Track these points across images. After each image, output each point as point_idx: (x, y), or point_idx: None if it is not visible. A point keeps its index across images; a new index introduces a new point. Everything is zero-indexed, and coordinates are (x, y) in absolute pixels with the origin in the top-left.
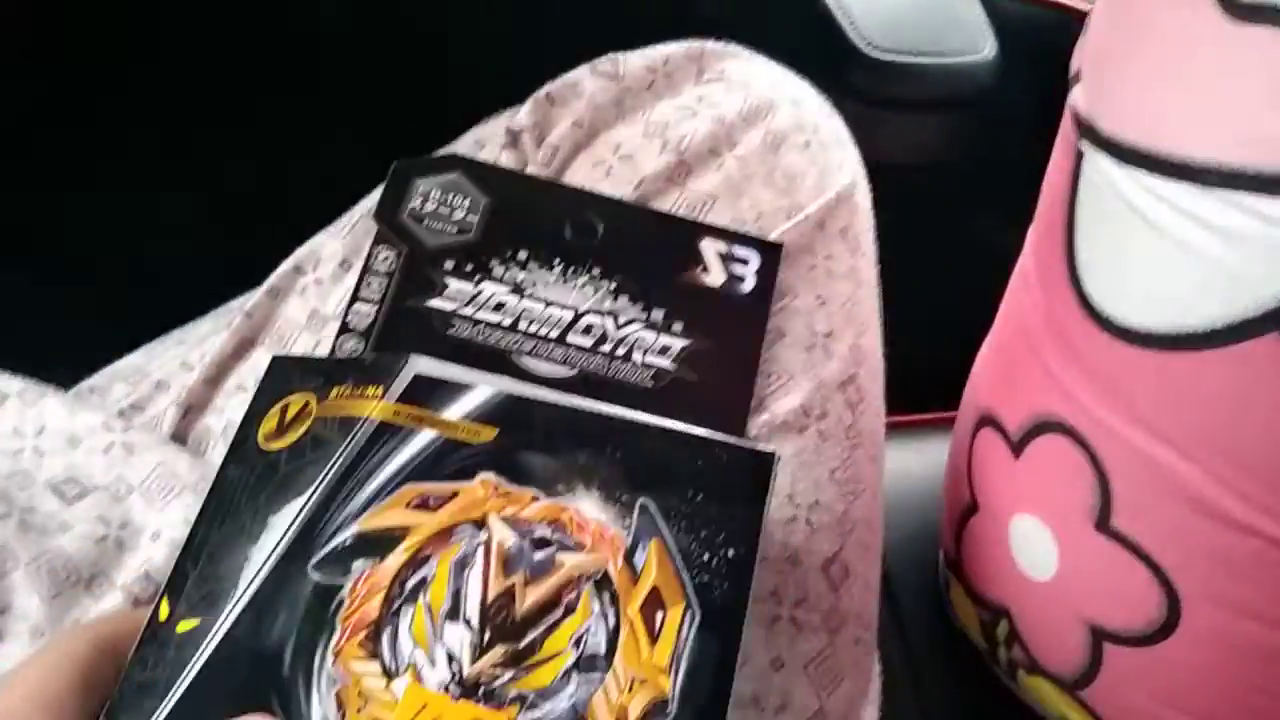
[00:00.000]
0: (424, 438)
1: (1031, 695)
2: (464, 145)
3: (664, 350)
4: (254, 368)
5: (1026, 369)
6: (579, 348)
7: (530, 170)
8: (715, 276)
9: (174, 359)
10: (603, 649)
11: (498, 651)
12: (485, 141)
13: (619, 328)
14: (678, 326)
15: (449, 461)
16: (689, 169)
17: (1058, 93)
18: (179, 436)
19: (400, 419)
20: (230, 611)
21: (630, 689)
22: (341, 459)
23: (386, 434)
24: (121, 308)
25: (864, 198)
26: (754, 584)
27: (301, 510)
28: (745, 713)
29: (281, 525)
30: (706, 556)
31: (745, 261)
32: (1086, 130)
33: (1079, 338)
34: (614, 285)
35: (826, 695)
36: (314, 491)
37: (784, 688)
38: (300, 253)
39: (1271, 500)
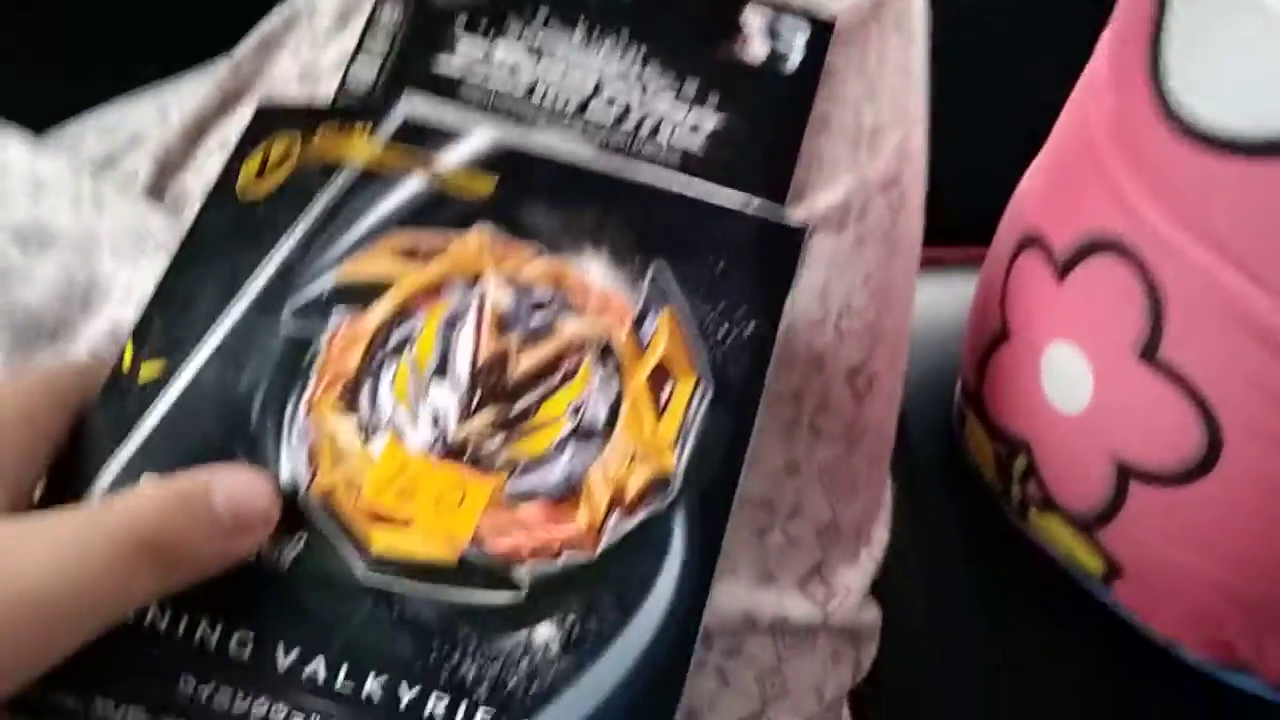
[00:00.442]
0: (415, 183)
1: (1039, 533)
2: None
3: (695, 129)
4: (239, 124)
5: (1084, 183)
6: (599, 124)
7: None
8: (757, 50)
9: (153, 112)
10: (603, 420)
11: (487, 414)
12: None
13: (646, 100)
14: (712, 101)
15: (443, 210)
16: None
17: None
18: (155, 194)
19: (389, 161)
20: (196, 357)
21: (630, 463)
22: (324, 202)
23: (373, 177)
24: (100, 61)
25: None
26: (773, 378)
27: (278, 256)
28: (755, 514)
29: (256, 272)
30: (724, 330)
31: (792, 37)
32: None
33: (1154, 143)
34: (643, 51)
35: (841, 506)
36: (292, 237)
37: (797, 493)
38: (295, 2)
39: None
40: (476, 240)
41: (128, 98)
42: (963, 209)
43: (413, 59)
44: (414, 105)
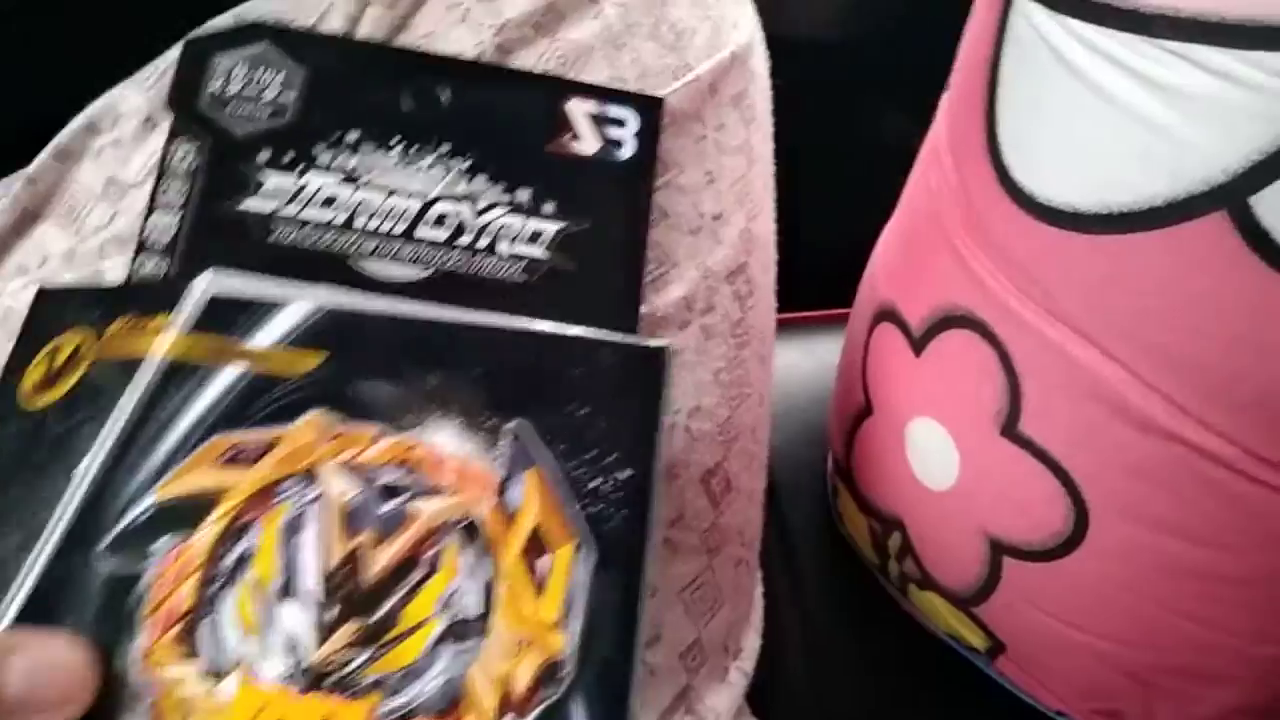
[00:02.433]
0: (229, 374)
1: (922, 611)
2: None
3: (535, 236)
4: (39, 245)
5: (933, 256)
6: (432, 243)
7: (371, 15)
8: (588, 143)
9: None
10: (477, 610)
11: (347, 630)
12: None
13: (478, 214)
14: (549, 207)
15: (264, 401)
16: (561, 15)
17: None
18: None
19: (195, 352)
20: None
21: (515, 653)
22: (128, 410)
23: (181, 374)
24: None
25: (761, 62)
26: (658, 501)
27: (81, 481)
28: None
29: (59, 504)
30: (598, 481)
31: (622, 123)
32: None
33: (995, 220)
34: (468, 163)
35: (704, 623)
36: (96, 456)
37: (656, 617)
38: (95, 108)
39: (1199, 404)
40: (308, 430)
41: None
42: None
43: (215, 204)
44: (217, 282)
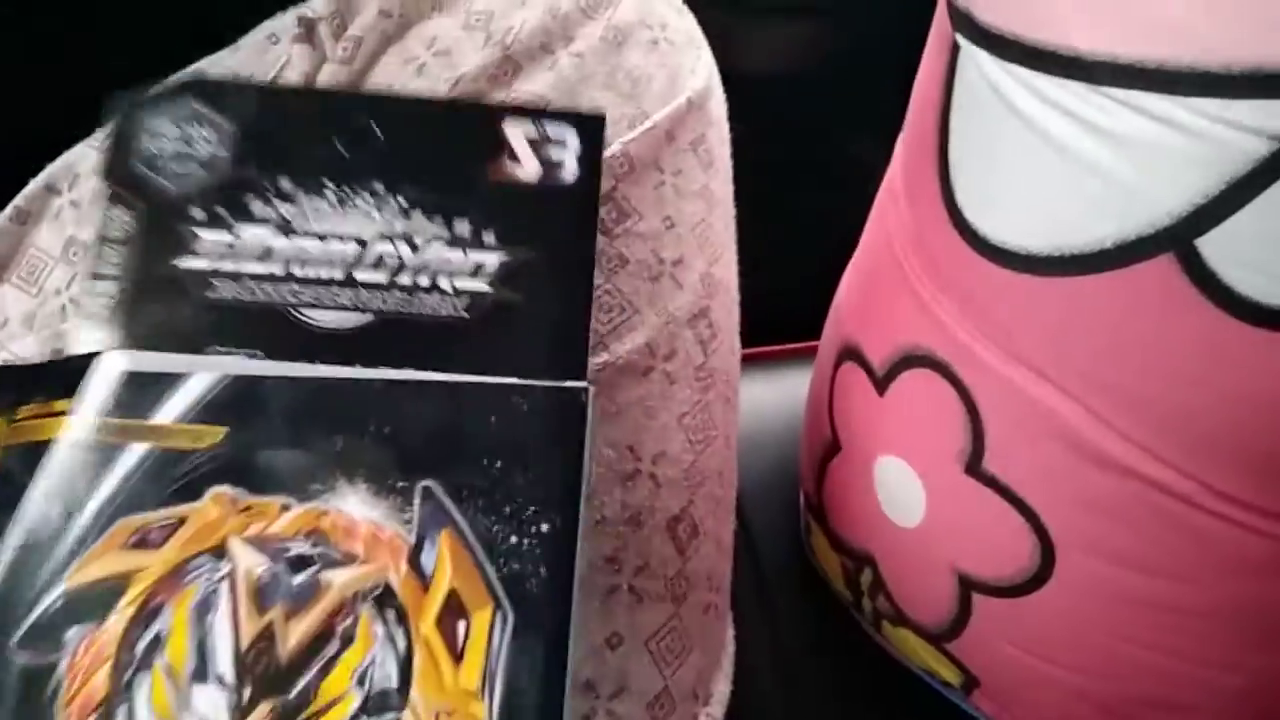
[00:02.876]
0: (132, 454)
1: (897, 647)
2: (252, 42)
3: (477, 269)
4: None
5: (893, 297)
6: (371, 285)
7: (328, 71)
8: (528, 168)
9: None
10: (394, 681)
11: (263, 710)
12: (279, 35)
13: (416, 251)
14: (489, 238)
15: (169, 479)
16: (517, 67)
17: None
18: None
19: (100, 434)
20: None
21: None
22: (32, 499)
23: (85, 457)
24: None
25: (719, 107)
26: (582, 555)
27: None
28: (576, 699)
29: None
30: (515, 539)
31: (562, 143)
32: (962, 20)
33: (950, 261)
34: (404, 200)
35: (671, 672)
36: (4, 546)
37: (621, 668)
38: (53, 168)
39: (1155, 441)
40: (214, 507)
41: None
42: (797, 305)
43: (154, 266)
44: (116, 362)
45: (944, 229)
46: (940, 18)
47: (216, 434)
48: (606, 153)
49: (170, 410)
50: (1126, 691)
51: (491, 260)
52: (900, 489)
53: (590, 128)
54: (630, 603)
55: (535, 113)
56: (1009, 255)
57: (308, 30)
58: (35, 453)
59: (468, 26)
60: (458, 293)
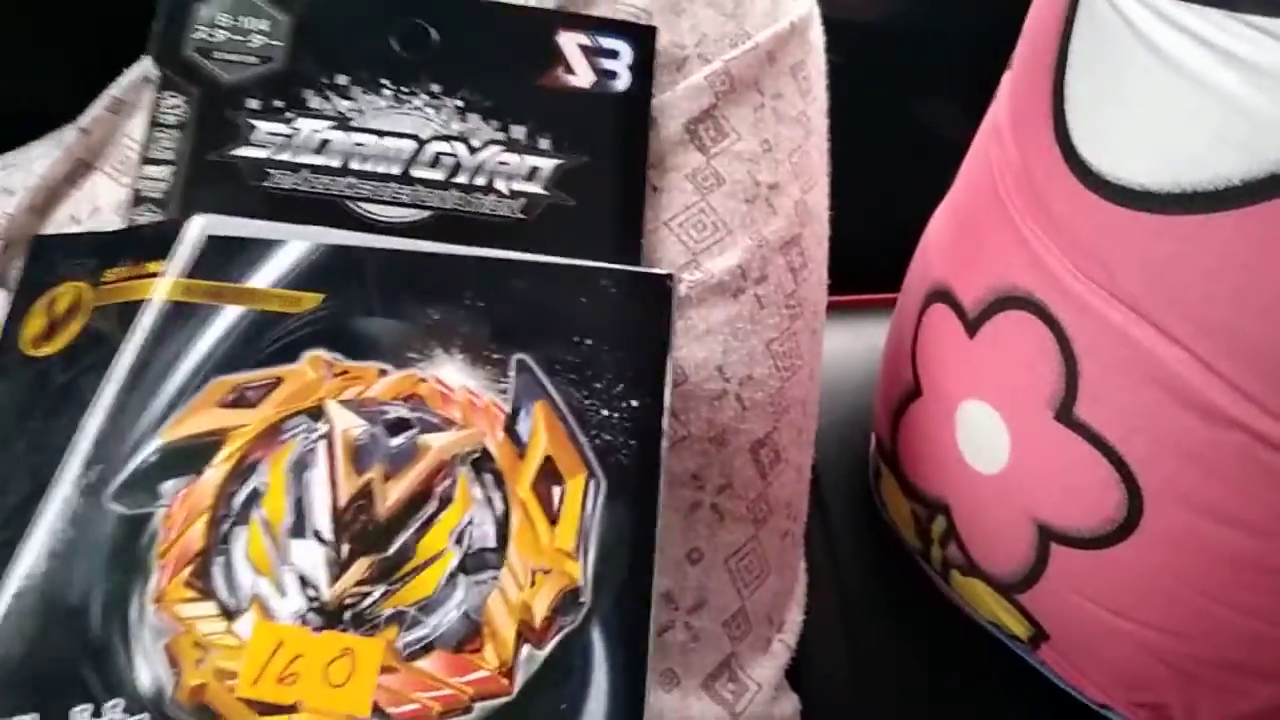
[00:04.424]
0: (229, 316)
1: (963, 597)
2: None
3: (533, 173)
4: (91, 195)
5: (991, 236)
6: (429, 182)
7: None
8: (582, 76)
9: None
10: (492, 541)
11: (361, 565)
12: None
13: (474, 153)
14: (544, 142)
15: (264, 341)
16: None
17: None
18: None
19: (193, 296)
20: (15, 569)
21: (532, 582)
22: (129, 355)
23: (180, 317)
24: None
25: (818, 35)
26: (668, 454)
27: (89, 427)
28: (655, 610)
29: (67, 451)
30: (605, 412)
31: (615, 54)
32: None
33: (1059, 198)
34: (460, 102)
35: (749, 592)
36: (100, 401)
37: (700, 583)
38: (148, 61)
39: (1264, 390)
40: (311, 369)
41: None
42: (873, 255)
43: (208, 153)
44: (211, 224)
45: (1054, 165)
46: None
47: (314, 299)
48: (708, 69)
49: (267, 275)
50: (1204, 652)
51: (547, 165)
52: (984, 434)
53: (642, 38)
54: (712, 520)
55: (591, 21)
56: (1125, 192)
57: None
58: (128, 312)
59: None
60: (514, 195)
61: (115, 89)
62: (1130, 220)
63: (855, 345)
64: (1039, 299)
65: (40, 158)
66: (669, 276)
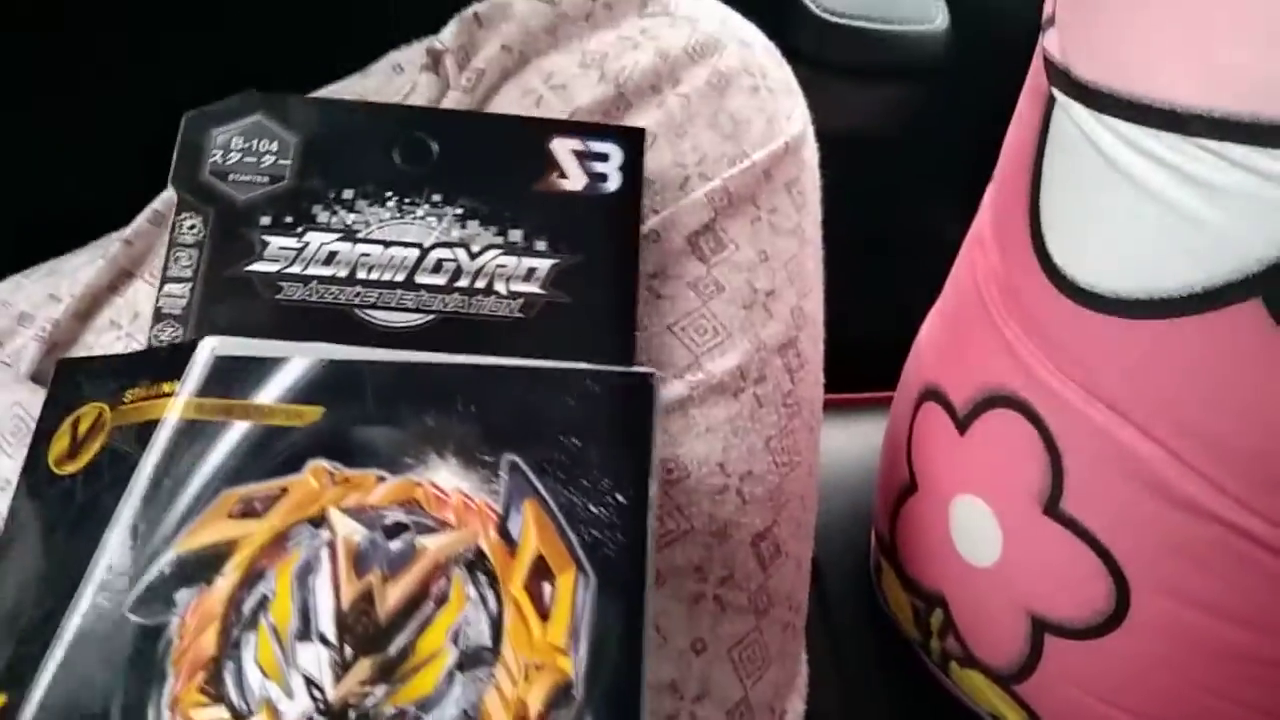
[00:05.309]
0: (236, 431)
1: (964, 689)
2: (380, 69)
3: (530, 274)
4: (131, 302)
5: (977, 338)
6: (431, 288)
7: (451, 99)
8: (574, 180)
9: (41, 290)
10: (487, 639)
11: (364, 666)
12: (404, 65)
13: (474, 257)
14: (541, 244)
15: (270, 454)
16: (628, 103)
17: (1011, 70)
18: (41, 376)
19: (204, 414)
20: (40, 681)
21: (526, 678)
22: (146, 474)
23: (191, 434)
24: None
25: (812, 153)
26: (673, 551)
27: (109, 543)
28: (661, 699)
29: (89, 567)
30: (594, 509)
31: (605, 157)
32: (1059, 75)
33: (1038, 303)
34: (460, 210)
35: (751, 683)
36: (120, 518)
37: (705, 673)
38: None
39: (1239, 485)
40: (313, 479)
41: (17, 275)
42: (874, 354)
43: (223, 269)
44: (218, 347)
45: (1033, 273)
46: (1035, 73)
47: (315, 412)
48: (708, 186)
49: (271, 391)
50: None
51: (543, 265)
52: (976, 528)
53: (631, 140)
54: (715, 611)
55: (581, 128)
56: (1097, 298)
57: (434, 61)
58: (145, 431)
59: (583, 65)
60: (513, 295)
61: (157, 203)
62: (1104, 324)
63: (855, 443)
64: (1024, 398)
65: (84, 266)
66: (650, 375)
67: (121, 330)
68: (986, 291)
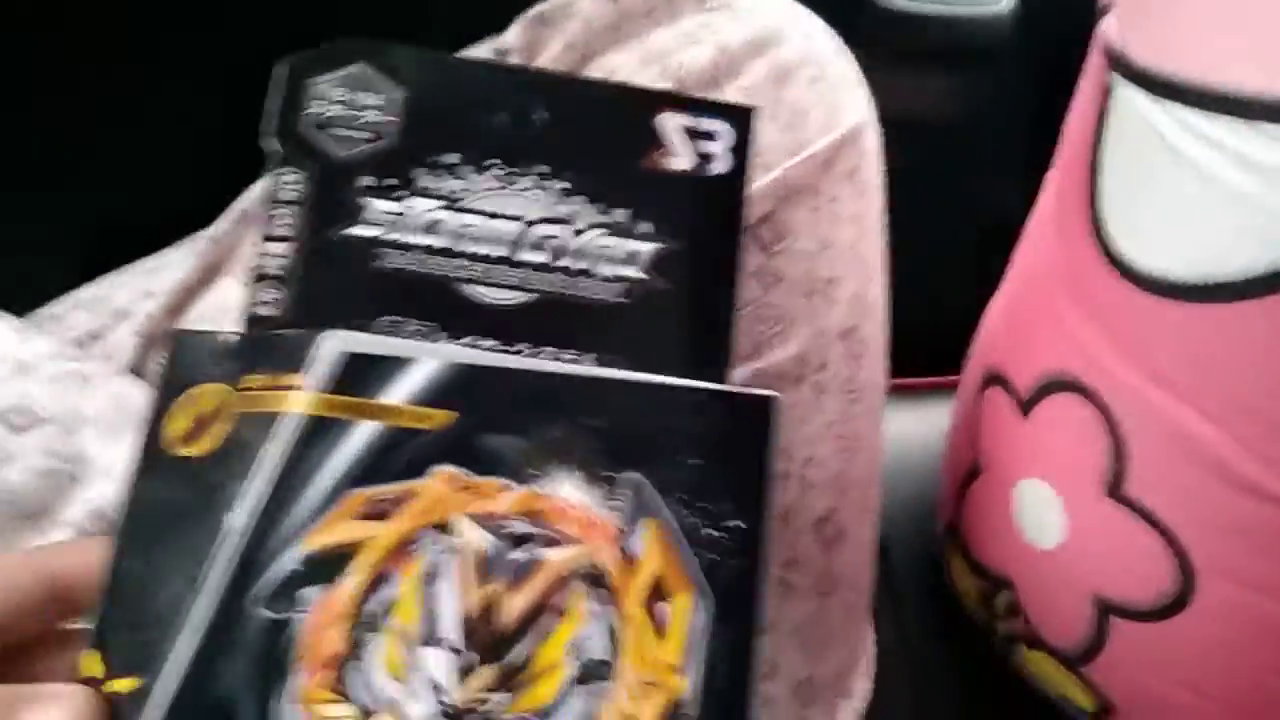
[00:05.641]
0: (364, 431)
1: (1030, 671)
2: None
3: (632, 257)
4: (220, 298)
5: (1040, 323)
6: (533, 265)
7: None
8: (682, 159)
9: (138, 287)
10: (604, 654)
11: (486, 672)
12: None
13: (576, 235)
14: (644, 227)
15: (397, 456)
16: None
17: (1074, 53)
18: (138, 368)
19: (332, 411)
20: (169, 667)
21: (640, 694)
22: (271, 465)
23: (319, 431)
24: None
25: (873, 140)
26: (770, 551)
27: (235, 533)
28: None
29: (214, 554)
30: (711, 531)
31: (714, 136)
32: (1117, 62)
33: (1099, 289)
34: (566, 184)
35: (816, 662)
36: (244, 507)
37: (771, 652)
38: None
39: None
40: (440, 485)
41: (114, 273)
42: (940, 340)
43: (323, 232)
44: (347, 342)
45: (1093, 258)
46: (1094, 60)
47: (443, 416)
48: (769, 177)
49: (399, 391)
50: None
51: (645, 249)
52: (1040, 511)
53: (741, 120)
54: (781, 592)
55: (692, 103)
56: (1157, 283)
57: (501, 59)
58: (268, 421)
59: (644, 61)
60: (614, 279)
61: (243, 202)
62: (1165, 309)
63: (923, 427)
64: (1085, 383)
65: (176, 263)
66: (773, 398)
67: (211, 324)
68: (1048, 277)
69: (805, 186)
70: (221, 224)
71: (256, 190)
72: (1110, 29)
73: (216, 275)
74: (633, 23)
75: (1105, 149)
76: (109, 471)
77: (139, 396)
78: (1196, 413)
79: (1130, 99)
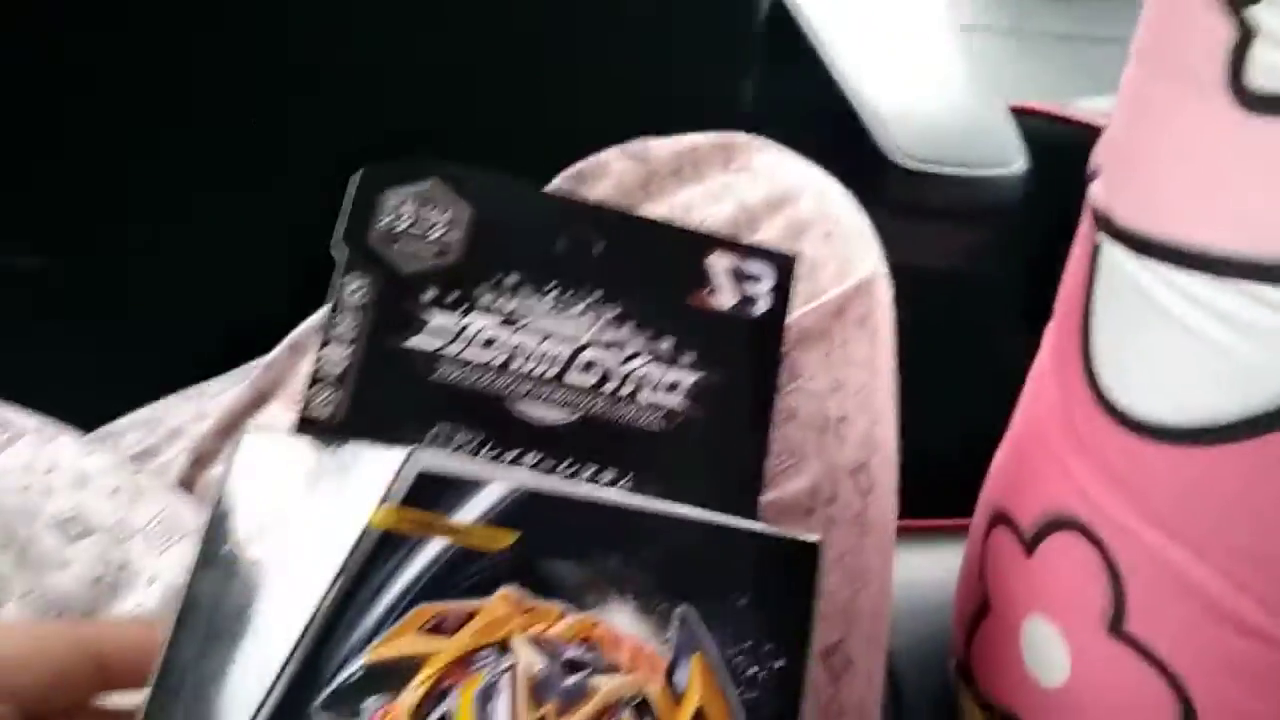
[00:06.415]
0: (435, 547)
1: None
2: None
3: (673, 386)
4: (268, 419)
5: (1041, 465)
6: (579, 388)
7: None
8: (726, 297)
9: (190, 410)
10: None
11: None
12: None
13: (623, 363)
14: (687, 358)
15: (465, 574)
16: None
17: (1079, 212)
18: (187, 485)
19: (407, 526)
20: None
21: None
22: (343, 575)
23: (391, 544)
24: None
25: (884, 291)
26: (809, 692)
27: (302, 636)
28: None
29: (278, 654)
30: (754, 670)
31: (758, 279)
32: (1103, 221)
33: (1093, 432)
34: (616, 312)
35: None
36: (313, 612)
37: None
38: (324, 311)
39: None
40: (503, 605)
41: (170, 396)
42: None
43: (384, 340)
44: (425, 460)
45: (1088, 404)
46: (1085, 221)
47: (509, 537)
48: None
49: (470, 512)
50: None
51: (687, 379)
52: (1045, 649)
53: (784, 265)
54: None
55: (740, 248)
56: (1148, 428)
57: None
58: (337, 529)
59: (671, 214)
60: (654, 406)
61: (296, 333)
62: (1155, 452)
63: (937, 568)
64: (1084, 522)
65: (228, 389)
66: (818, 545)
67: None
68: (1048, 420)
69: (818, 331)
70: (274, 353)
71: (308, 323)
72: (1098, 192)
73: (265, 401)
74: (661, 181)
75: (1096, 302)
76: (152, 580)
77: (186, 511)
78: (1190, 552)
79: (1115, 255)
